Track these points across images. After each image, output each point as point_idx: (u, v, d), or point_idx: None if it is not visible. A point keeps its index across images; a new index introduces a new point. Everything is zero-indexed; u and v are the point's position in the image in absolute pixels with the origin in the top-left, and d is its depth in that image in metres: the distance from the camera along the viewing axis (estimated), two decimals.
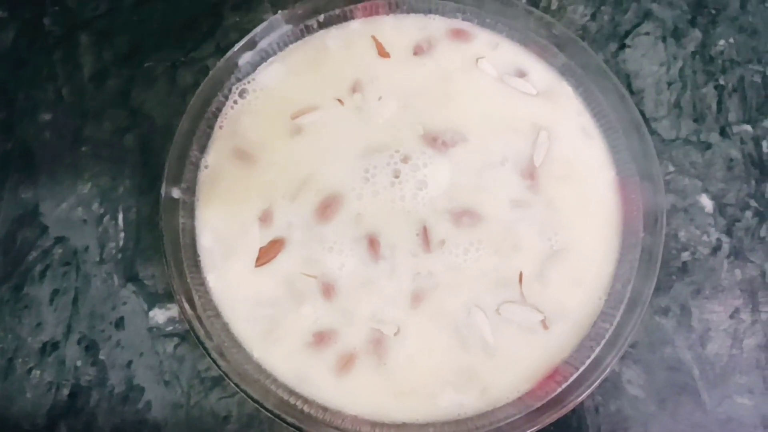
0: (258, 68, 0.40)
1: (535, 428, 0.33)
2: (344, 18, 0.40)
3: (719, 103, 0.44)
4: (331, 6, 0.40)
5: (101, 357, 0.40)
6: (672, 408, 0.39)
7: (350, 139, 0.38)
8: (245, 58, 0.39)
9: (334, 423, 0.34)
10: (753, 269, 0.41)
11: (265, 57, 0.40)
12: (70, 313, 0.41)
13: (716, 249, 0.41)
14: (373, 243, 0.36)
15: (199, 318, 0.35)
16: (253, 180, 0.38)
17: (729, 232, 0.41)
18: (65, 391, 0.40)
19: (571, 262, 0.36)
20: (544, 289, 0.36)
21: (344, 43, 0.40)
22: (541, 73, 0.40)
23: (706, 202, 0.42)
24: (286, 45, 0.40)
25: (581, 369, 0.34)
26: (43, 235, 0.42)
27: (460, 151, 0.38)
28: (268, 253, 0.37)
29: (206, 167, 0.39)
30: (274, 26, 0.39)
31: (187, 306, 0.35)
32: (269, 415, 0.34)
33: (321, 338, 0.36)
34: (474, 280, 0.36)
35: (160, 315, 0.40)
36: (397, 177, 0.37)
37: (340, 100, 0.39)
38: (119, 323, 0.40)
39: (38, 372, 0.40)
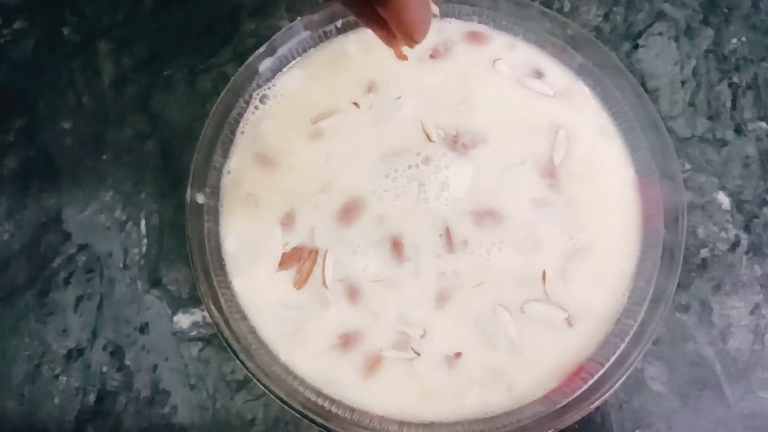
0: (278, 74, 0.40)
1: (562, 426, 0.33)
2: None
3: (734, 100, 0.44)
4: (348, 12, 0.40)
5: (127, 362, 0.40)
6: (695, 403, 0.39)
7: (371, 142, 0.39)
8: (265, 64, 0.39)
9: (362, 423, 0.34)
10: None
11: (284, 63, 0.40)
12: (95, 318, 0.41)
13: (735, 245, 0.41)
14: (396, 245, 0.37)
15: (226, 320, 0.35)
16: (275, 184, 0.39)
17: (747, 229, 0.41)
18: (92, 396, 0.40)
19: (593, 259, 0.37)
20: (567, 287, 0.36)
21: (363, 48, 0.41)
22: (557, 74, 0.40)
23: (724, 199, 0.42)
24: (305, 50, 0.40)
25: (606, 366, 0.34)
26: (66, 242, 0.42)
27: (481, 152, 0.38)
28: (291, 260, 0.37)
29: (229, 172, 0.39)
30: (293, 32, 0.39)
31: (214, 309, 0.35)
32: (296, 415, 0.34)
33: (347, 340, 0.36)
34: (498, 279, 0.36)
35: (184, 319, 0.41)
36: (418, 179, 0.38)
37: (356, 104, 0.39)
38: (144, 328, 0.41)
39: (65, 378, 0.40)
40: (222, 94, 0.38)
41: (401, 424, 0.35)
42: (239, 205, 0.38)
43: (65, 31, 0.46)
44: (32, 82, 0.45)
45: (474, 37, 0.41)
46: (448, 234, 0.37)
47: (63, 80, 0.45)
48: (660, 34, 0.45)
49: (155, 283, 0.41)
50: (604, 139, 0.39)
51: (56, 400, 0.40)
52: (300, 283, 0.37)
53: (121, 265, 0.42)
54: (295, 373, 0.36)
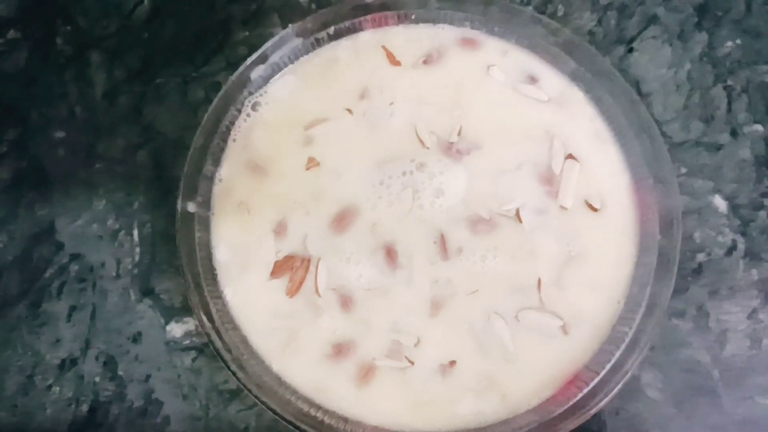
0: (270, 81, 0.40)
1: None
2: (354, 30, 0.40)
3: (728, 104, 0.44)
4: (340, 18, 0.40)
5: (119, 372, 0.40)
6: (690, 410, 0.39)
7: (364, 149, 0.39)
8: (257, 72, 0.39)
9: None
10: None
11: (276, 70, 0.40)
12: (88, 328, 0.41)
13: (731, 249, 0.41)
14: (390, 252, 0.37)
15: (217, 331, 0.35)
16: (267, 192, 0.38)
17: (743, 233, 0.41)
18: (84, 407, 0.40)
19: (588, 266, 0.36)
20: (562, 294, 0.36)
21: (355, 54, 0.40)
22: (551, 79, 0.40)
23: (720, 203, 0.42)
24: (297, 57, 0.40)
25: (602, 374, 0.34)
26: (59, 252, 0.42)
27: (475, 158, 0.38)
28: (283, 268, 0.37)
29: (220, 181, 0.39)
30: (285, 40, 0.39)
31: (205, 319, 0.35)
32: (289, 426, 0.34)
33: (340, 349, 0.36)
34: (492, 286, 0.36)
35: (177, 329, 0.41)
36: (412, 186, 0.37)
37: (349, 110, 0.39)
38: (137, 338, 0.41)
39: (57, 388, 0.40)
40: (213, 103, 0.38)
41: None
42: (231, 213, 0.38)
43: (58, 41, 0.46)
44: (25, 92, 0.45)
45: (467, 43, 0.41)
46: (442, 241, 0.37)
47: (55, 91, 0.45)
48: (653, 38, 0.45)
49: (148, 292, 0.41)
50: (599, 144, 0.39)
51: (49, 411, 0.40)
52: (292, 291, 0.37)
53: (114, 275, 0.41)
54: (288, 383, 0.35)
